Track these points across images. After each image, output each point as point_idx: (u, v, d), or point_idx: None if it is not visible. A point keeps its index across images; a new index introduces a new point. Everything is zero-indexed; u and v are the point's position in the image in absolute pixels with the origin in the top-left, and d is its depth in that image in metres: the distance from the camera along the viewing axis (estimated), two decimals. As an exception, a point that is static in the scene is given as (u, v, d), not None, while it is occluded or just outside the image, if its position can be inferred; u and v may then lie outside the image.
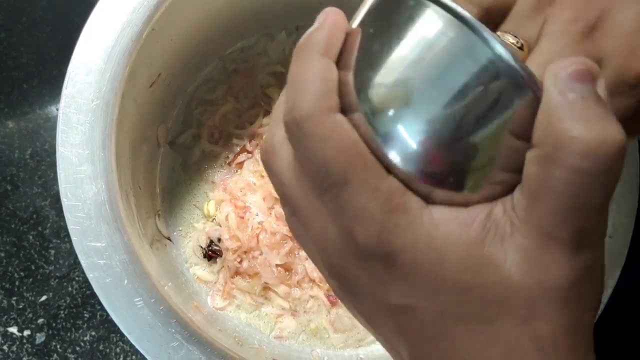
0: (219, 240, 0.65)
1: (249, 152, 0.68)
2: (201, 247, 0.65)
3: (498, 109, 0.22)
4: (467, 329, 0.23)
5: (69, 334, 0.77)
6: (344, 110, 0.24)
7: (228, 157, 0.68)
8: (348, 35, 0.25)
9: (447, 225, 0.22)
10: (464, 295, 0.23)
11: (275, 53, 0.71)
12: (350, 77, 0.25)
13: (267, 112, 0.69)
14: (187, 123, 0.68)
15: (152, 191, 0.64)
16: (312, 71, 0.23)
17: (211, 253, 0.65)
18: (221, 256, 0.64)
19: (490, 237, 0.21)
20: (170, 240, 0.64)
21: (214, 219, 0.66)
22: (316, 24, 0.25)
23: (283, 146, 0.26)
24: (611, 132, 0.19)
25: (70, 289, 0.78)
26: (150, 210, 0.62)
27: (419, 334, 0.25)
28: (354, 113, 0.24)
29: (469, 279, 0.22)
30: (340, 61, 0.25)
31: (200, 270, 0.65)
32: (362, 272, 0.25)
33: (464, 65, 0.23)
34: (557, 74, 0.20)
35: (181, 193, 0.67)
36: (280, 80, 0.70)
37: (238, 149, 0.68)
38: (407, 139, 0.23)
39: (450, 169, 0.23)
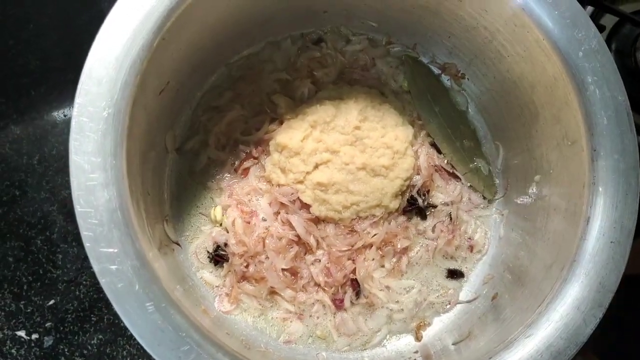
0: (226, 245, 0.65)
1: (254, 158, 0.69)
2: (207, 251, 0.66)
3: None
4: None
5: (76, 338, 0.78)
6: None
7: (234, 163, 0.69)
8: None
9: None
10: None
11: (281, 60, 0.71)
12: None
13: (273, 119, 0.69)
14: (194, 129, 0.69)
15: (161, 197, 0.65)
16: None
17: (217, 258, 0.65)
18: (227, 261, 0.65)
19: None
20: (178, 244, 0.65)
21: (221, 224, 0.67)
22: None
23: None
24: None
25: (77, 292, 0.79)
26: (159, 215, 0.62)
27: None
28: None
29: None
30: None
31: (207, 273, 0.66)
32: None
33: None
34: None
35: (188, 198, 0.67)
36: (285, 87, 0.71)
37: (244, 155, 0.69)
38: None
39: None
